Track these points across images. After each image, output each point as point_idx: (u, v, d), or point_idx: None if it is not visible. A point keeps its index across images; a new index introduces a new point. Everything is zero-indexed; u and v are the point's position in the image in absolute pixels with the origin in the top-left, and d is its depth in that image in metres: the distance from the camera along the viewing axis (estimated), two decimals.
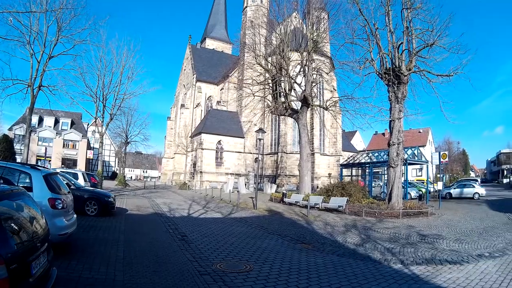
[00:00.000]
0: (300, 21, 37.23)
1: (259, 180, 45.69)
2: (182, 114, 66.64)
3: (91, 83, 38.50)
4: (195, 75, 64.94)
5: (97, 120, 41.22)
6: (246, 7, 60.32)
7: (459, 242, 13.49)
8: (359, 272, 8.96)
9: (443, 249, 12.17)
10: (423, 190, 37.01)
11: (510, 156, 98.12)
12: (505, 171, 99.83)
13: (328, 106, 32.58)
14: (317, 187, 38.49)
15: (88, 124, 71.57)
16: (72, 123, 66.00)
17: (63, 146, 63.57)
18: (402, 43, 24.42)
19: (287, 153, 48.76)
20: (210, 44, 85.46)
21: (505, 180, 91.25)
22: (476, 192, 38.69)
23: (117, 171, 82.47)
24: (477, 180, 58.45)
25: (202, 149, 50.08)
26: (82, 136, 65.22)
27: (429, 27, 23.80)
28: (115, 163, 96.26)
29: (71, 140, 64.77)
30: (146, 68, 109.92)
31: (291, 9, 35.09)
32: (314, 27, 33.23)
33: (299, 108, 31.72)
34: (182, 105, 67.79)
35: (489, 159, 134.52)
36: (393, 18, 25.42)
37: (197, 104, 64.00)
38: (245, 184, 44.10)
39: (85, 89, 37.24)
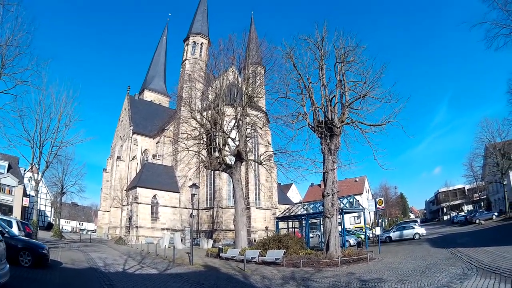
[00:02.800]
0: (237, 75, 37.66)
1: (195, 235, 45.25)
2: (118, 167, 64.67)
3: (29, 127, 37.33)
4: (131, 127, 63.56)
5: (33, 166, 40.15)
6: (185, 60, 61.09)
7: (402, 283, 13.56)
8: None
9: None
10: (362, 236, 37.50)
11: (449, 194, 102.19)
12: (444, 209, 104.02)
13: (263, 161, 32.85)
14: (254, 241, 38.00)
15: (25, 170, 67.37)
16: (9, 167, 61.22)
17: None
18: (334, 96, 25.29)
19: (222, 208, 48.43)
20: (148, 96, 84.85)
21: (445, 217, 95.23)
22: (417, 233, 39.24)
23: (53, 222, 77.89)
24: (417, 221, 59.87)
25: (138, 203, 48.37)
26: (19, 182, 60.65)
27: (362, 79, 24.99)
28: (51, 213, 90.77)
29: (8, 185, 59.58)
30: (83, 117, 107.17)
31: (228, 64, 35.46)
32: (250, 82, 33.69)
33: (233, 163, 31.64)
34: (118, 157, 65.93)
35: (427, 200, 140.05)
36: (326, 71, 26.40)
37: (133, 156, 62.25)
38: (181, 240, 42.63)
39: (23, 132, 36.17)
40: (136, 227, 47.86)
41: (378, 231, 32.04)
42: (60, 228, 60.97)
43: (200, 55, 61.07)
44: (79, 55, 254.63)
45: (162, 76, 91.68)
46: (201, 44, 62.71)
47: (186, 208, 51.12)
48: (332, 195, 23.86)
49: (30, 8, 46.99)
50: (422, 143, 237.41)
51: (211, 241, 41.50)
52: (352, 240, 36.41)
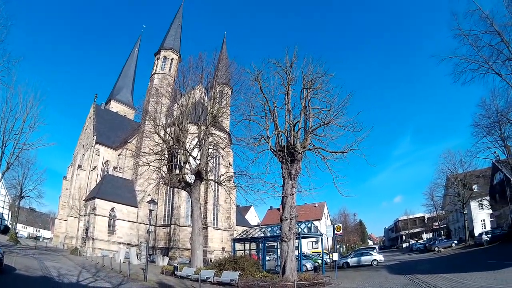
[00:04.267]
0: (203, 94, 37.59)
1: (151, 252, 44.45)
2: (78, 176, 62.75)
3: None
4: (95, 137, 62.11)
5: None
6: (154, 73, 60.64)
7: None
8: None
9: None
10: (319, 261, 37.39)
11: (408, 222, 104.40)
12: (403, 236, 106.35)
13: (222, 181, 32.68)
14: (210, 261, 37.70)
15: None
16: None
17: None
18: (298, 121, 25.56)
19: (180, 226, 47.90)
20: (114, 106, 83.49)
21: (404, 245, 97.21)
22: (374, 259, 39.60)
23: (10, 226, 75.07)
24: (375, 248, 61.17)
25: (95, 214, 46.92)
26: None
27: (327, 106, 25.36)
28: (8, 217, 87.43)
29: None
30: (48, 121, 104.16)
31: (196, 82, 35.45)
32: (216, 101, 33.63)
33: (193, 181, 31.34)
34: (79, 166, 64.09)
35: (386, 227, 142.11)
36: (292, 97, 26.63)
37: (94, 167, 60.66)
38: (137, 255, 41.71)
39: None
40: (93, 239, 46.37)
41: (335, 256, 32.20)
42: (17, 233, 59.57)
43: (170, 70, 60.87)
44: (49, 57, 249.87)
45: (130, 88, 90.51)
46: (172, 59, 62.63)
47: (144, 223, 50.19)
48: (290, 219, 23.92)
49: (9, 3, 45.81)
50: (384, 172, 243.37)
51: (166, 259, 40.81)
52: (309, 265, 36.60)
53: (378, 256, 41.02)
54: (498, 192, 57.98)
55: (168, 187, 42.66)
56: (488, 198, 62.95)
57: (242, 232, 40.09)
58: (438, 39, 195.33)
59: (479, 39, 29.57)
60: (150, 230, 30.53)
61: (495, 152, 45.21)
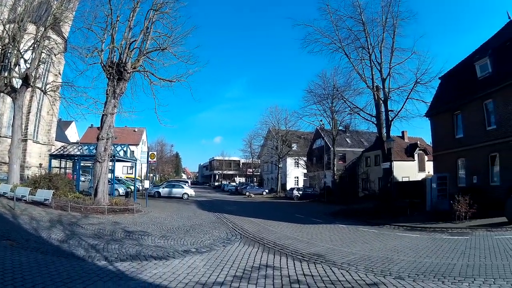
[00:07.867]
0: None
1: None
2: None
3: None
4: None
5: None
6: None
7: (165, 239, 14.19)
8: (63, 270, 8.59)
9: (148, 245, 12.52)
10: (132, 187, 38.18)
11: (223, 163, 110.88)
12: (217, 176, 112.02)
13: (47, 90, 31.12)
14: (28, 178, 35.83)
15: None
16: None
17: None
18: (136, 40, 25.47)
19: (1, 137, 43.11)
20: None
21: (216, 184, 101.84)
22: (185, 193, 41.61)
23: None
24: (187, 182, 63.82)
25: None
26: None
27: (169, 33, 25.86)
28: None
29: None
30: None
31: None
32: (63, 2, 30.96)
33: (19, 86, 28.84)
34: None
35: (201, 164, 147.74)
36: (137, 15, 26.14)
37: None
38: None
39: None
40: None
41: (147, 184, 33.07)
42: None
43: None
44: None
45: None
46: None
47: None
48: (107, 139, 24.04)
49: None
50: (210, 111, 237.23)
51: None
52: (121, 190, 37.08)
53: (189, 190, 43.27)
54: (315, 156, 65.25)
55: None
56: (305, 159, 69.32)
57: (59, 148, 37.69)
58: (299, 3, 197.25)
59: (342, 21, 32.56)
60: None
61: (321, 121, 50.20)
